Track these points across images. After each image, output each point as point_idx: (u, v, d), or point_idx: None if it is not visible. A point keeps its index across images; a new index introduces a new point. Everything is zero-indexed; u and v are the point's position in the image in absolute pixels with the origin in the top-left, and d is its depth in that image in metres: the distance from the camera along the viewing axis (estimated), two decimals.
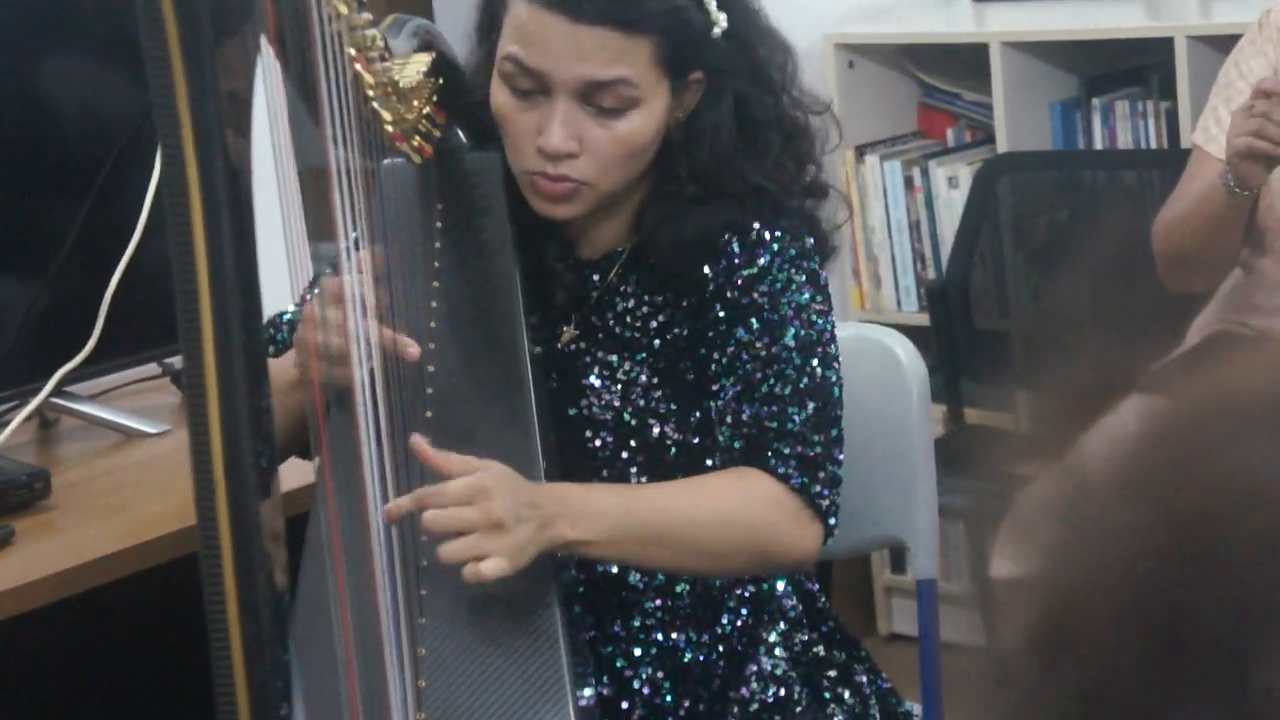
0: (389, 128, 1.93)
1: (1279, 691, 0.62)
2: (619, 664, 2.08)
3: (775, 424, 1.98)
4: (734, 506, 1.97)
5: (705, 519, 1.96)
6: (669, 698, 2.07)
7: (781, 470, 1.98)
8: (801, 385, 1.99)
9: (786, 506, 1.98)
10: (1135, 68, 3.76)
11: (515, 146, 2.00)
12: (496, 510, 1.82)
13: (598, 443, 2.06)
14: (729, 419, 2.00)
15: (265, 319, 2.02)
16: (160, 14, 1.41)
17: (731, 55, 2.01)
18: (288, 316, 2.16)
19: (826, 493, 1.99)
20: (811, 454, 1.98)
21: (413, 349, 1.92)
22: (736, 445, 1.99)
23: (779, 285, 2.01)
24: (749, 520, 1.97)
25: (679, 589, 2.09)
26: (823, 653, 2.15)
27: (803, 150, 2.07)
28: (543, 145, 1.96)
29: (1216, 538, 0.64)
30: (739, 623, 2.11)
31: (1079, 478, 0.72)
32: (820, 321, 2.02)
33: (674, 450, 2.05)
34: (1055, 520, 0.71)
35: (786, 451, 1.98)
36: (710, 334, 2.02)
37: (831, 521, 2.00)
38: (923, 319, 3.78)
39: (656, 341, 2.06)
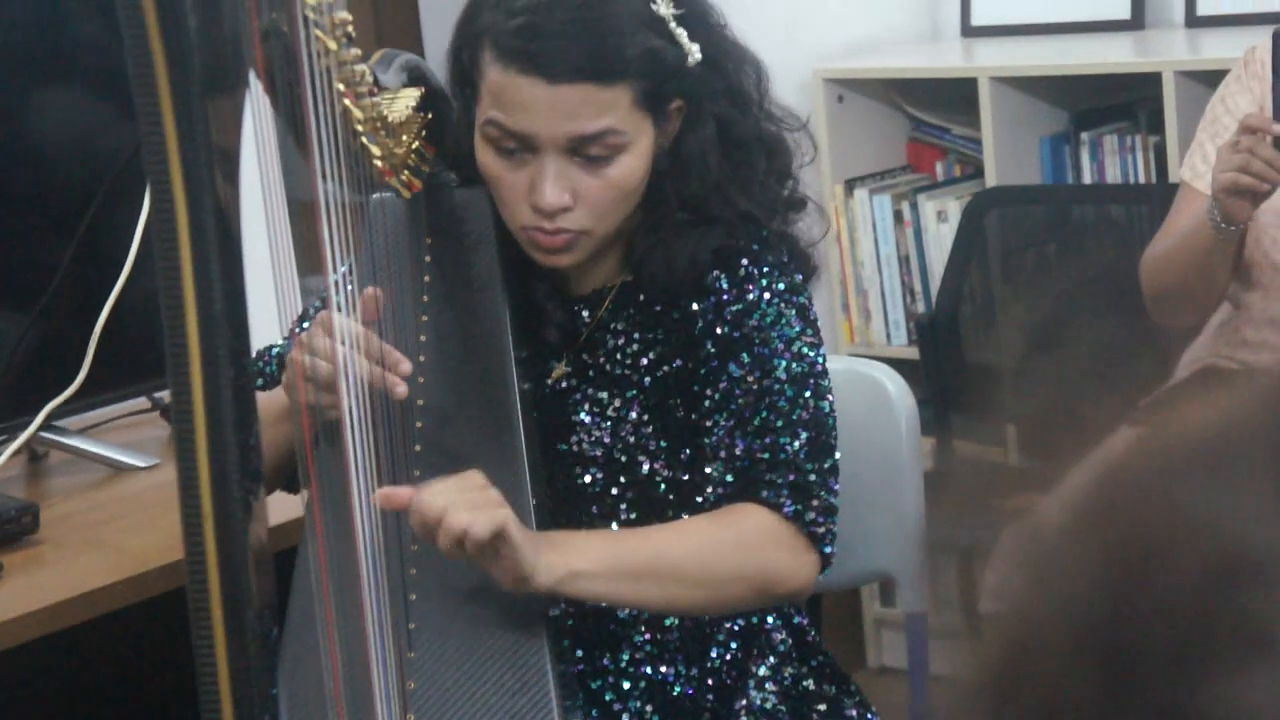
0: (378, 162, 1.94)
1: (1217, 714, 0.66)
2: (608, 698, 2.07)
3: (768, 455, 1.98)
4: (725, 539, 1.97)
5: (696, 553, 1.95)
6: None
7: (774, 499, 1.98)
8: (794, 416, 2.00)
9: (780, 536, 1.98)
10: (1124, 103, 3.78)
11: (508, 205, 2.01)
12: (493, 492, 1.84)
13: (587, 479, 2.06)
14: (722, 453, 2.00)
15: (254, 352, 2.03)
16: (149, 53, 1.42)
17: (708, 79, 2.02)
18: (276, 350, 2.16)
19: (821, 520, 1.99)
20: (804, 482, 1.98)
21: (401, 388, 1.92)
22: (730, 479, 1.99)
23: (769, 319, 2.02)
24: (742, 552, 1.97)
25: (668, 622, 2.09)
26: (812, 686, 2.15)
27: (782, 166, 2.08)
28: (537, 203, 1.97)
29: (1154, 570, 0.68)
30: (728, 656, 2.10)
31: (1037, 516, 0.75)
32: (811, 354, 2.03)
33: (664, 487, 2.05)
34: (1012, 557, 0.74)
35: (779, 480, 1.98)
36: (702, 371, 2.03)
37: (827, 549, 2.00)
38: (912, 353, 3.78)
39: (647, 379, 2.06)
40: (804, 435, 2.00)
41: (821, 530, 1.99)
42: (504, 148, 1.98)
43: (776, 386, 2.00)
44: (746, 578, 1.98)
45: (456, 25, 2.03)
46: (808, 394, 2.01)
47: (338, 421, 1.85)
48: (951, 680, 0.75)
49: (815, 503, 1.99)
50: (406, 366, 1.93)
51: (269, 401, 1.96)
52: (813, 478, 1.99)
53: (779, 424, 1.99)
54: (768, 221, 2.05)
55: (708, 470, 2.02)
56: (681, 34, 1.99)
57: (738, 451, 1.99)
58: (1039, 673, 0.69)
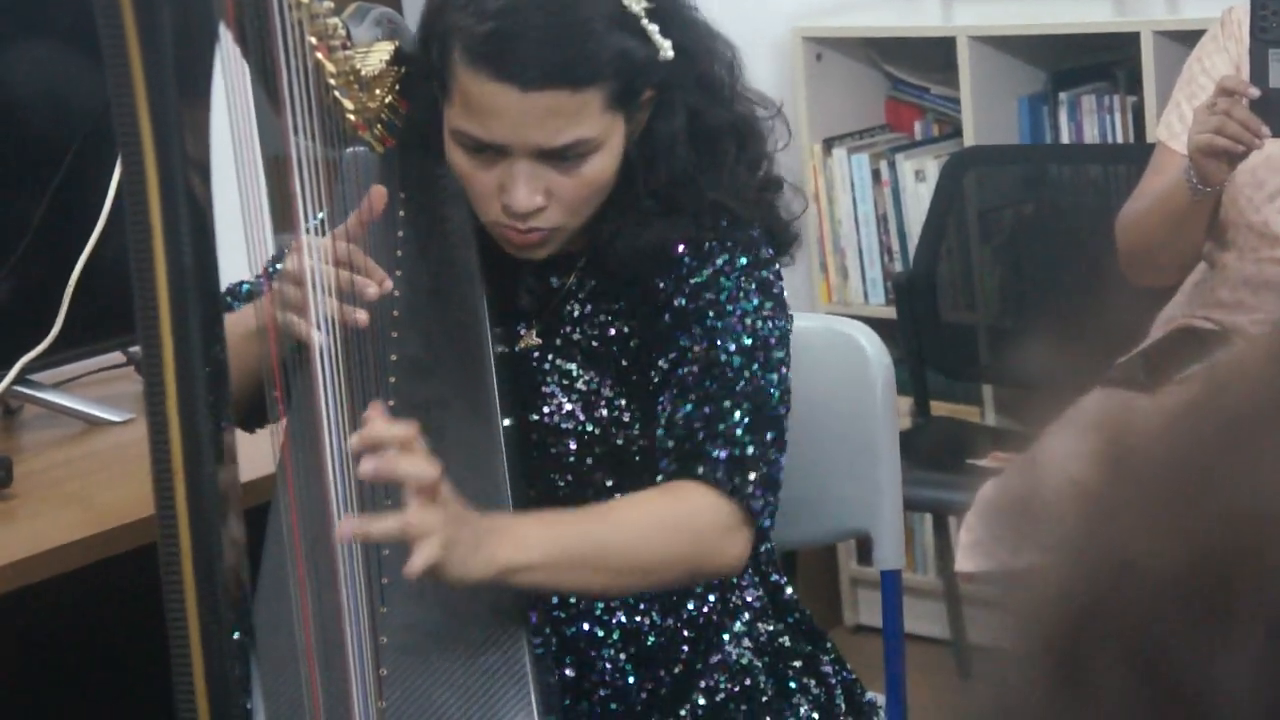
0: (351, 116, 1.93)
1: None
2: (582, 644, 2.08)
3: (706, 426, 1.97)
4: (665, 524, 1.95)
5: (637, 540, 1.93)
6: (632, 679, 2.07)
7: (710, 475, 1.96)
8: (737, 388, 1.98)
9: (718, 515, 1.96)
10: (1102, 62, 3.77)
11: (480, 202, 1.99)
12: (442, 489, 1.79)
13: (560, 449, 2.06)
14: (663, 420, 1.99)
15: (224, 288, 2.03)
16: (118, 5, 1.41)
17: (680, 70, 1.99)
18: (246, 287, 2.15)
19: (759, 494, 1.97)
20: (741, 455, 1.97)
21: (371, 289, 1.91)
22: (670, 446, 1.98)
23: (724, 295, 2.01)
24: (680, 536, 1.95)
25: None
26: (788, 643, 2.15)
27: (756, 150, 2.07)
28: (509, 205, 1.95)
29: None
30: (705, 609, 2.11)
31: (1121, 468, 0.70)
32: (764, 326, 2.01)
33: (639, 457, 2.05)
34: (1086, 512, 0.69)
35: (716, 454, 1.96)
36: (657, 342, 2.02)
37: (766, 524, 1.98)
38: (889, 312, 3.78)
39: (615, 348, 2.06)
40: (745, 406, 1.98)
41: (759, 504, 1.97)
42: (472, 149, 1.96)
43: (723, 359, 1.99)
44: (681, 562, 1.96)
45: (423, 16, 1.99)
46: (755, 366, 2.00)
47: (310, 377, 1.84)
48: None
49: (753, 476, 1.97)
50: (388, 284, 1.93)
51: (239, 319, 1.97)
52: (751, 450, 1.97)
53: (720, 395, 1.98)
54: (738, 210, 2.04)
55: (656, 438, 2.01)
56: (654, 30, 1.96)
57: (678, 419, 1.98)
58: (1128, 620, 0.65)
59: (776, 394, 2.01)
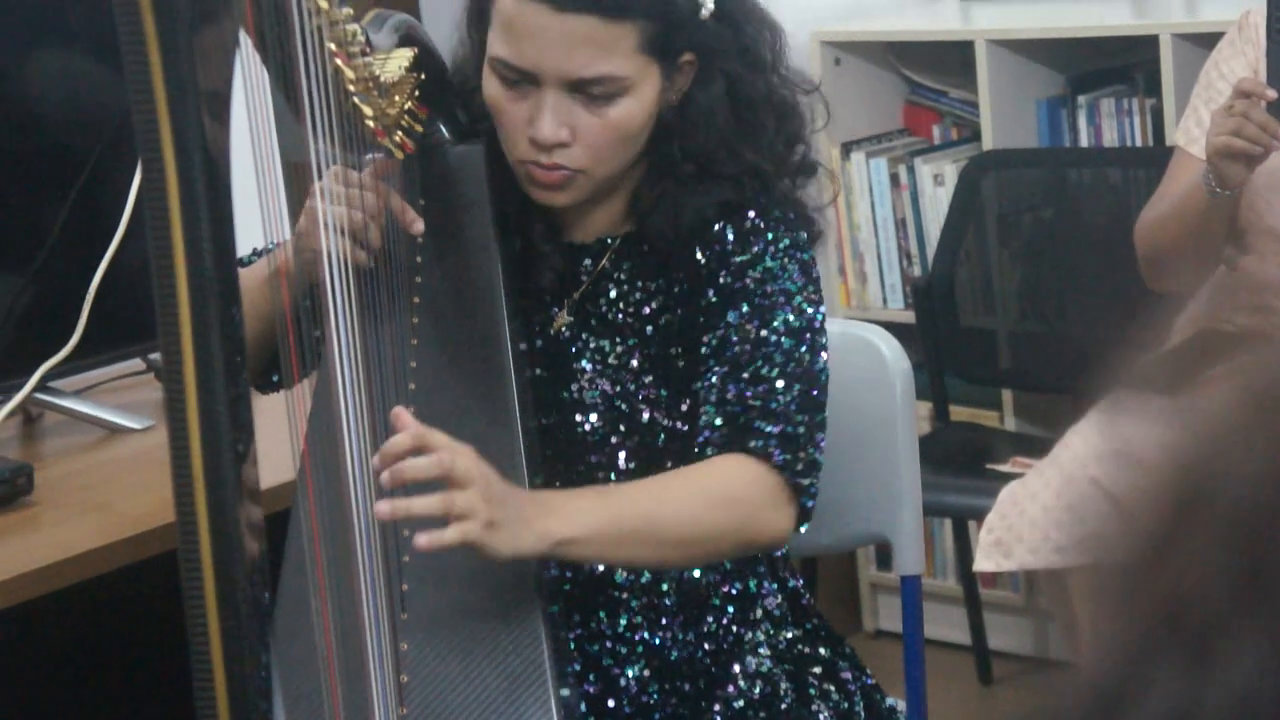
0: (370, 123, 1.93)
1: None
2: (606, 662, 2.07)
3: (759, 402, 1.99)
4: (713, 497, 1.97)
5: (686, 513, 1.95)
6: (655, 695, 2.07)
7: (762, 449, 1.97)
8: (788, 369, 2.00)
9: (765, 486, 1.97)
10: (1121, 65, 3.77)
11: (509, 137, 2.02)
12: (474, 470, 1.79)
13: (587, 427, 2.06)
14: (713, 397, 2.00)
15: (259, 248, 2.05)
16: (137, 6, 1.41)
17: (722, 36, 2.02)
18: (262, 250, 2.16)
19: (806, 473, 1.99)
20: (793, 433, 1.98)
21: (419, 224, 1.97)
22: (719, 423, 1.99)
23: (772, 273, 2.02)
24: (729, 509, 1.97)
25: (664, 587, 2.09)
26: (807, 650, 2.15)
27: (793, 130, 2.08)
28: (534, 136, 1.98)
29: None
30: (724, 620, 2.11)
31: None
32: (810, 310, 2.03)
33: (664, 437, 2.05)
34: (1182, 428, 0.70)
35: (769, 429, 1.98)
36: (701, 319, 2.03)
37: (809, 504, 1.99)
38: (908, 316, 3.78)
39: (648, 328, 2.06)
40: (796, 388, 2.00)
41: (806, 483, 1.99)
42: (508, 78, 1.99)
43: (774, 338, 2.01)
44: (731, 534, 1.98)
45: None
46: (803, 349, 2.01)
47: (329, 382, 1.84)
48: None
49: (802, 455, 1.99)
50: (420, 226, 1.96)
51: (256, 270, 1.99)
52: (801, 430, 1.99)
53: (773, 374, 2.00)
54: (776, 178, 2.05)
55: (700, 413, 2.01)
56: None
57: (729, 396, 1.99)
58: (1191, 543, 0.66)
59: (824, 378, 2.03)
